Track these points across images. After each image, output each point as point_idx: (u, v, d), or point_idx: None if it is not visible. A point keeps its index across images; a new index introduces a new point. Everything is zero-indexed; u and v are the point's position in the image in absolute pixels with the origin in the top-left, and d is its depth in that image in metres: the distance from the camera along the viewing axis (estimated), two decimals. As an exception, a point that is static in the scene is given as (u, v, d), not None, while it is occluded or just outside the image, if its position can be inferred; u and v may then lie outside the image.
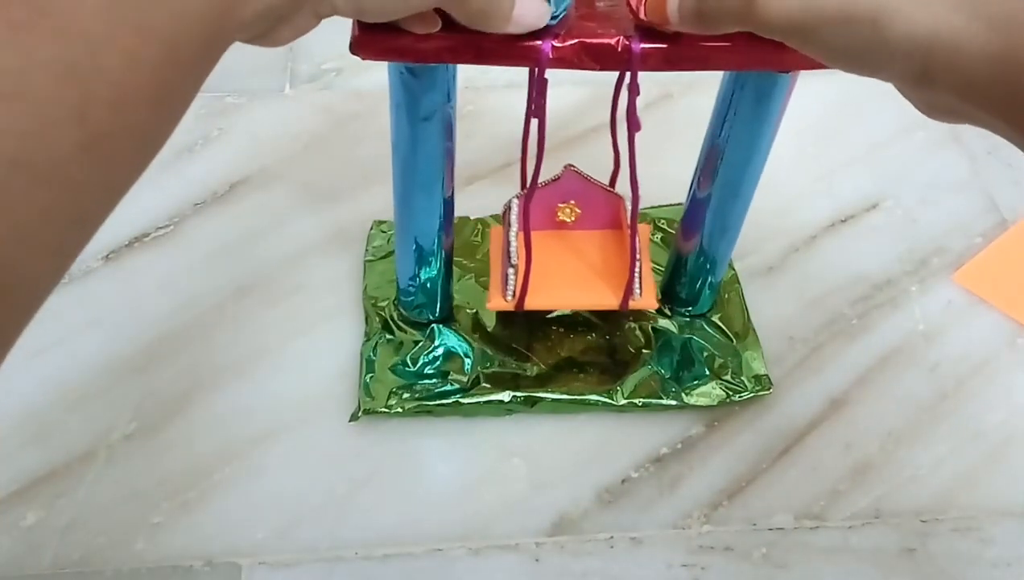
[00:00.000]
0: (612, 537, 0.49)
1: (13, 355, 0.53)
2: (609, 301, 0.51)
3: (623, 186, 0.50)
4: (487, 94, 0.71)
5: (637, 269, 0.50)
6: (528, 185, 0.47)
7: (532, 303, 0.51)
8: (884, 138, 0.71)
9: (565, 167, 0.50)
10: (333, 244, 0.62)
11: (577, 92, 0.69)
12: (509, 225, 0.50)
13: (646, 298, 0.51)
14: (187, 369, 0.55)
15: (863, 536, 0.49)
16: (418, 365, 0.54)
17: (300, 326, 0.57)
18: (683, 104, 0.70)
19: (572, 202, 0.52)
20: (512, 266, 0.50)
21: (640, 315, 0.56)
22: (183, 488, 0.50)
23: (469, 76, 0.73)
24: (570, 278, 0.52)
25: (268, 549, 0.48)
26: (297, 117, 0.70)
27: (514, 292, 0.50)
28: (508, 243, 0.50)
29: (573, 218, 0.52)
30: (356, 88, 0.72)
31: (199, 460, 0.51)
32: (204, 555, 0.48)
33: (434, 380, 0.53)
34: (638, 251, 0.49)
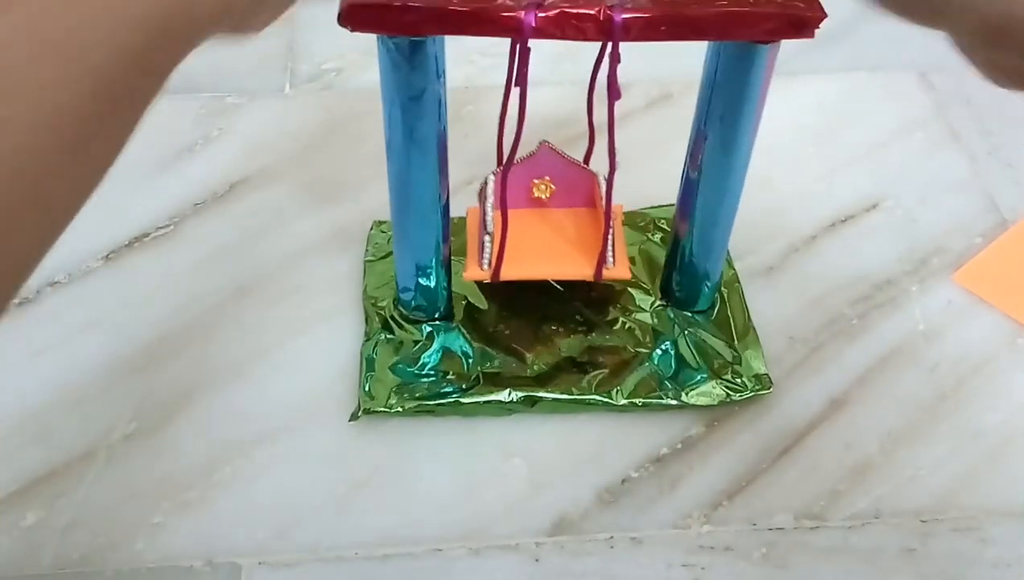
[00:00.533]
0: (612, 537, 0.49)
1: (13, 355, 0.53)
2: (583, 270, 0.52)
3: (597, 163, 0.50)
4: (487, 94, 0.71)
5: (610, 239, 0.50)
6: (508, 154, 0.47)
7: (508, 273, 0.51)
8: (884, 138, 0.71)
9: (540, 143, 0.51)
10: (333, 244, 0.62)
11: (577, 91, 0.69)
12: (485, 198, 0.50)
13: (619, 268, 0.52)
14: (187, 369, 0.55)
15: (863, 536, 0.49)
16: (418, 364, 0.54)
17: (300, 326, 0.57)
18: (683, 103, 0.70)
19: (547, 178, 0.52)
20: (488, 234, 0.50)
21: (639, 313, 0.56)
22: (183, 488, 0.50)
23: (469, 75, 0.73)
24: (545, 250, 0.52)
25: (268, 549, 0.48)
26: (297, 117, 0.70)
27: (490, 261, 0.51)
28: (484, 214, 0.50)
29: (548, 194, 0.53)
30: (356, 88, 0.72)
31: (199, 460, 0.51)
32: (204, 555, 0.48)
33: (434, 379, 0.53)
34: (611, 220, 0.50)
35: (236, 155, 0.67)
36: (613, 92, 0.43)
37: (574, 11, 0.39)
